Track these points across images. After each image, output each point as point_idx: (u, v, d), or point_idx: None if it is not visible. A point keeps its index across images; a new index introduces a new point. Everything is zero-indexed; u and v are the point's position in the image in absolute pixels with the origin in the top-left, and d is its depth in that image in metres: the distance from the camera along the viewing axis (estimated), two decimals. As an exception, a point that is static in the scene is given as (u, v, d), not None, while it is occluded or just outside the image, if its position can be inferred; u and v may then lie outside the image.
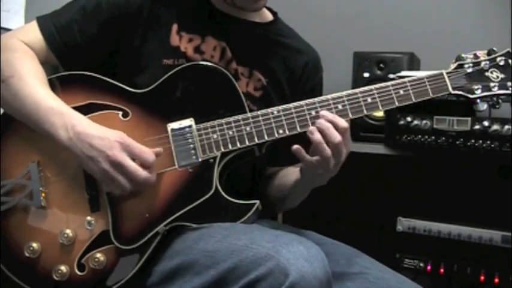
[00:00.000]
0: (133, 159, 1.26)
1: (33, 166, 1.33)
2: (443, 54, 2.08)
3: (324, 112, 1.29)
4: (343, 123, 1.28)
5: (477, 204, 2.14)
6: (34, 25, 1.41)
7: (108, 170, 1.24)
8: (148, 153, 1.27)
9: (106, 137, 1.25)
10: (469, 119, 1.85)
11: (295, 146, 1.29)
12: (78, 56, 1.41)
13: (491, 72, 1.32)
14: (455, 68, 1.34)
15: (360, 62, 2.19)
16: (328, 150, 1.26)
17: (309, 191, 1.50)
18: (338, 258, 1.35)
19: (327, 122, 1.28)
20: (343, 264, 1.34)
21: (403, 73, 2.00)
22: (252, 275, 1.10)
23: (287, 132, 1.32)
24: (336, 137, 1.26)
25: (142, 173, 1.25)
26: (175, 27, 1.43)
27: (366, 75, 2.16)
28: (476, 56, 1.33)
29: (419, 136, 1.92)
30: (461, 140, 1.86)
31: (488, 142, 1.82)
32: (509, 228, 1.87)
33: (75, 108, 1.31)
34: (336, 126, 1.27)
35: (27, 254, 1.31)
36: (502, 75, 1.32)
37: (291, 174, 1.48)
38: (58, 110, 1.29)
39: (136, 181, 1.25)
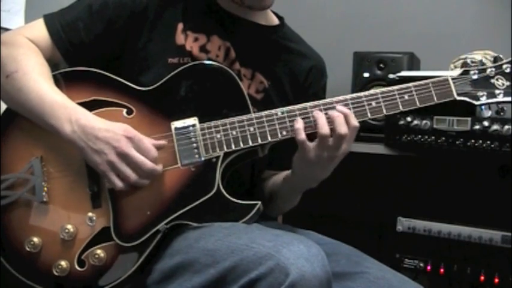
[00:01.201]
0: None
1: (37, 161, 1.33)
2: (443, 54, 2.10)
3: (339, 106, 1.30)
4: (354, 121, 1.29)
5: (477, 204, 2.15)
6: (40, 22, 1.41)
7: (115, 162, 1.25)
8: (151, 150, 1.28)
9: (111, 129, 1.27)
10: (469, 119, 1.85)
11: (299, 123, 1.29)
12: (83, 54, 1.41)
13: (497, 79, 1.31)
14: (461, 74, 1.33)
15: (360, 62, 2.20)
16: (327, 129, 1.27)
17: (299, 195, 1.50)
18: (339, 258, 1.35)
19: (339, 112, 1.28)
20: (344, 264, 1.34)
21: (403, 73, 2.01)
22: (252, 274, 1.10)
23: (291, 134, 1.31)
24: (344, 129, 1.26)
25: (148, 163, 1.26)
26: (180, 26, 1.43)
27: (366, 75, 2.17)
28: (482, 63, 1.33)
29: (419, 136, 1.92)
30: (461, 140, 1.86)
31: (488, 142, 1.82)
32: (509, 228, 1.87)
33: (79, 105, 1.31)
34: (346, 119, 1.28)
35: (27, 249, 1.31)
36: (507, 83, 1.31)
37: (283, 174, 1.49)
38: (62, 104, 1.29)
39: (143, 171, 1.26)
